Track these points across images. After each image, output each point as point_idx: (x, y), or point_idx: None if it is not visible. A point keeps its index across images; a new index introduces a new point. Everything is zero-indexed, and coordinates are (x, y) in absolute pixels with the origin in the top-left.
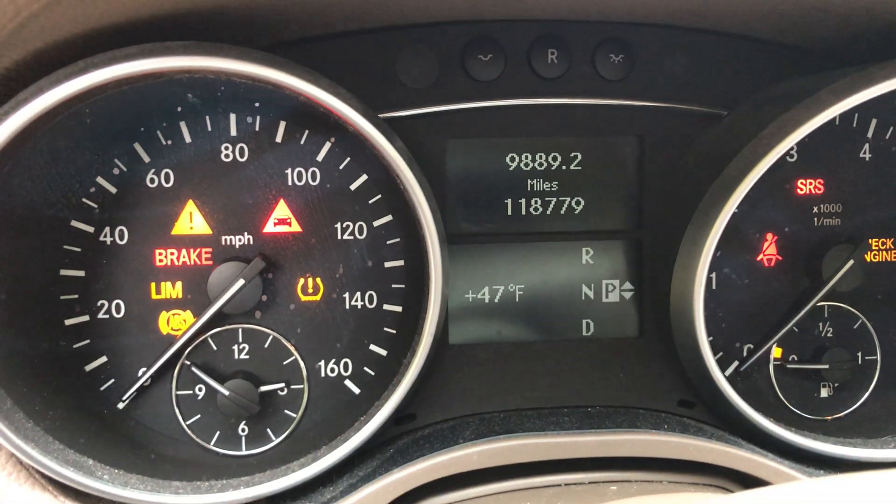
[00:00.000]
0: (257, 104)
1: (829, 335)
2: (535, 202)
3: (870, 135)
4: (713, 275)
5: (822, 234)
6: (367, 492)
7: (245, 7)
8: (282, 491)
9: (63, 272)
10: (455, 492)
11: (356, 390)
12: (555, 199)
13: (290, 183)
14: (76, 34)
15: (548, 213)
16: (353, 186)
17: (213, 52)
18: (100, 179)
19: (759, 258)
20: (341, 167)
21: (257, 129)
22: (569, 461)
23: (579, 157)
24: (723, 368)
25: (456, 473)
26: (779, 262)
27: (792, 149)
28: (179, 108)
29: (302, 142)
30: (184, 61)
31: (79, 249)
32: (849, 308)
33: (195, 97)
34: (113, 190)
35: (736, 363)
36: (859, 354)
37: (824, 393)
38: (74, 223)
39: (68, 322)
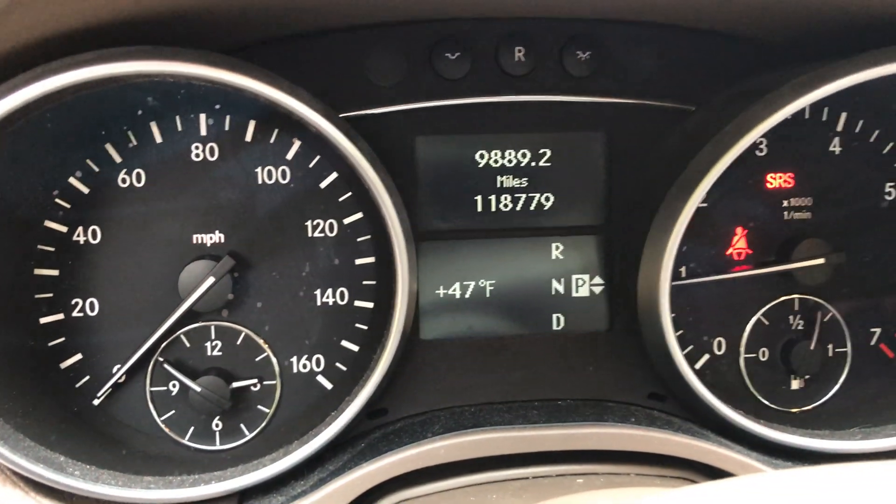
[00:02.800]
0: (225, 105)
1: (799, 328)
2: (505, 198)
3: (839, 128)
4: (682, 269)
5: (792, 227)
6: (336, 485)
7: (208, 11)
8: (253, 485)
9: (37, 271)
10: (425, 485)
11: (328, 385)
12: (524, 196)
13: (260, 181)
14: (34, 40)
15: (517, 209)
16: (323, 184)
17: (170, 57)
18: (72, 180)
19: (728, 252)
20: (311, 165)
21: (227, 128)
22: (540, 454)
23: (548, 153)
24: (693, 361)
25: (425, 467)
26: (749, 256)
27: (761, 143)
28: (141, 112)
29: (272, 141)
30: (140, 66)
31: (52, 249)
32: (819, 301)
33: (155, 100)
34: (85, 190)
35: (706, 356)
36: (830, 347)
37: (795, 385)
38: (47, 223)
39: (43, 321)
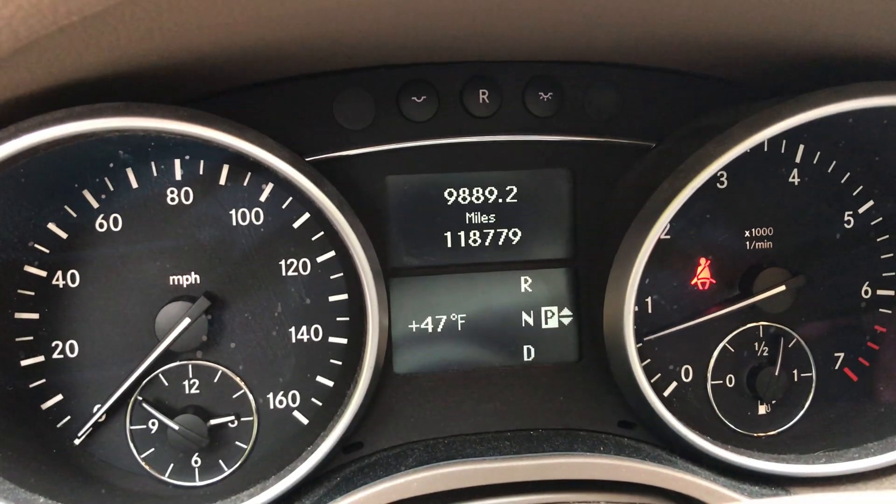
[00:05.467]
0: (197, 151)
1: (764, 354)
2: (474, 234)
3: (797, 160)
4: (648, 299)
5: (754, 256)
6: None
7: (177, 67)
8: None
9: (17, 315)
10: None
11: (304, 420)
12: (492, 231)
13: (234, 223)
14: (3, 100)
15: (486, 244)
16: (295, 225)
17: (139, 113)
18: (50, 225)
19: (693, 282)
20: (284, 207)
21: (201, 173)
22: (513, 484)
23: (515, 190)
24: (661, 390)
25: (399, 500)
26: (712, 286)
27: (721, 175)
28: (114, 163)
29: (245, 184)
30: (110, 122)
31: (32, 293)
32: (782, 328)
33: (127, 152)
34: (63, 235)
35: (674, 384)
36: (795, 372)
37: (762, 411)
38: (27, 268)
39: (23, 363)
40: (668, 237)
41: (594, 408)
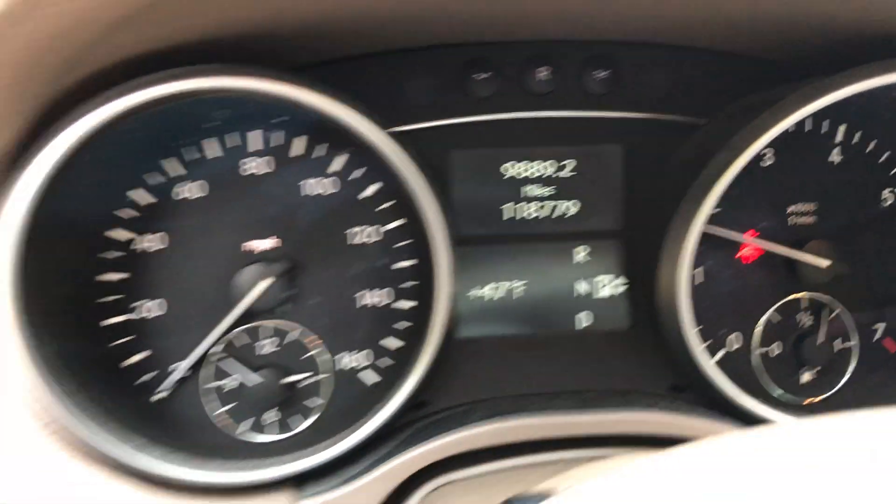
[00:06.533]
0: (278, 121)
1: (808, 324)
2: (532, 206)
3: (839, 139)
4: (698, 269)
5: (798, 231)
6: (388, 467)
7: (268, 33)
8: (308, 469)
9: (104, 276)
10: (467, 469)
11: (375, 379)
12: (550, 203)
13: (309, 192)
14: (113, 62)
15: (542, 216)
16: (367, 194)
17: (240, 73)
18: (137, 191)
19: (738, 255)
20: (357, 177)
21: (279, 143)
22: (569, 440)
23: (571, 164)
24: (711, 355)
25: (466, 451)
26: (760, 257)
27: (766, 153)
28: (203, 128)
29: (320, 154)
30: (213, 82)
31: (118, 255)
32: (826, 297)
33: (218, 117)
34: (149, 200)
35: (723, 351)
36: (837, 342)
37: (806, 378)
38: (114, 231)
39: (108, 322)
40: (719, 209)
41: (646, 372)
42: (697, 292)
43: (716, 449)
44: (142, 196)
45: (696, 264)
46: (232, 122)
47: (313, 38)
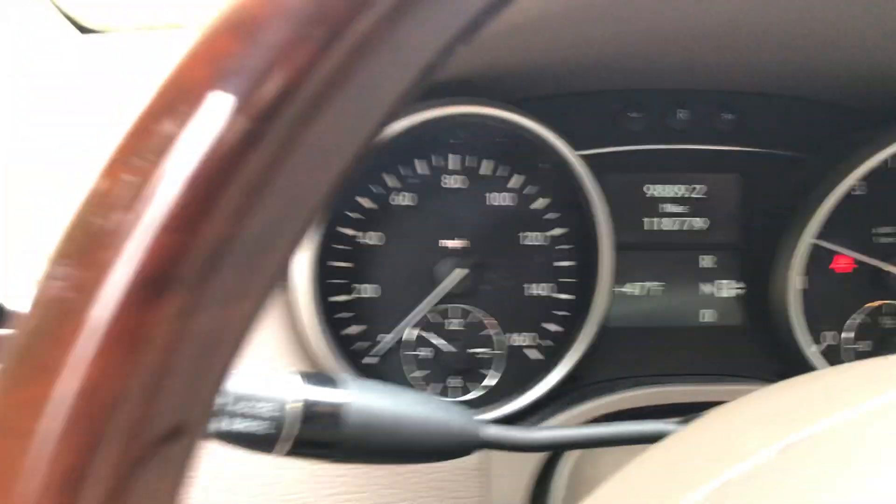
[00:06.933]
0: (475, 145)
1: (890, 326)
2: (668, 221)
3: None
4: (804, 277)
5: (884, 248)
6: (577, 410)
7: (496, 74)
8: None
9: (333, 263)
10: None
11: (538, 357)
12: (682, 219)
13: (490, 203)
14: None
15: (677, 229)
16: (537, 206)
17: (489, 105)
18: (364, 198)
19: (838, 267)
20: (530, 192)
21: (471, 164)
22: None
23: (701, 188)
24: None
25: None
26: (854, 269)
27: (858, 185)
28: (411, 153)
29: (502, 174)
30: (472, 109)
31: (345, 248)
32: None
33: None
34: (371, 206)
35: (825, 345)
36: None
37: None
38: (343, 229)
39: (334, 299)
40: (820, 228)
41: (758, 363)
42: (801, 297)
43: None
44: (366, 201)
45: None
46: (444, 146)
47: (523, 81)
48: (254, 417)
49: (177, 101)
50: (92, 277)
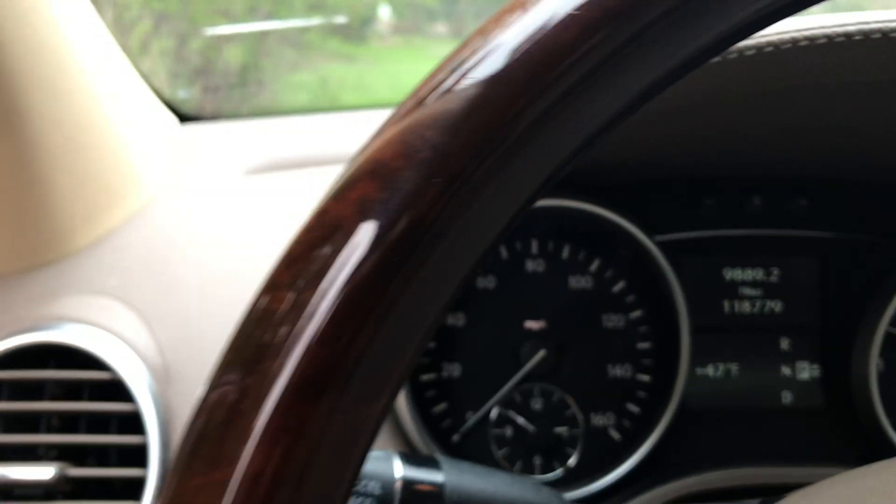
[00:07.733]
0: (556, 233)
1: None
2: (746, 303)
3: None
4: (881, 360)
5: None
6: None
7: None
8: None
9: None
10: None
11: (617, 437)
12: (760, 302)
13: (570, 286)
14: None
15: (755, 312)
16: (616, 289)
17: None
18: None
19: None
20: (608, 276)
21: (551, 249)
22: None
23: (777, 272)
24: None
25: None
26: None
27: None
28: (517, 231)
29: (581, 258)
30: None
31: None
32: None
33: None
34: None
35: None
36: None
37: None
38: None
39: (423, 378)
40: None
41: (838, 445)
42: (881, 379)
43: None
44: None
45: (879, 355)
46: (528, 232)
47: (603, 172)
48: (365, 496)
49: (330, 234)
50: (256, 382)
